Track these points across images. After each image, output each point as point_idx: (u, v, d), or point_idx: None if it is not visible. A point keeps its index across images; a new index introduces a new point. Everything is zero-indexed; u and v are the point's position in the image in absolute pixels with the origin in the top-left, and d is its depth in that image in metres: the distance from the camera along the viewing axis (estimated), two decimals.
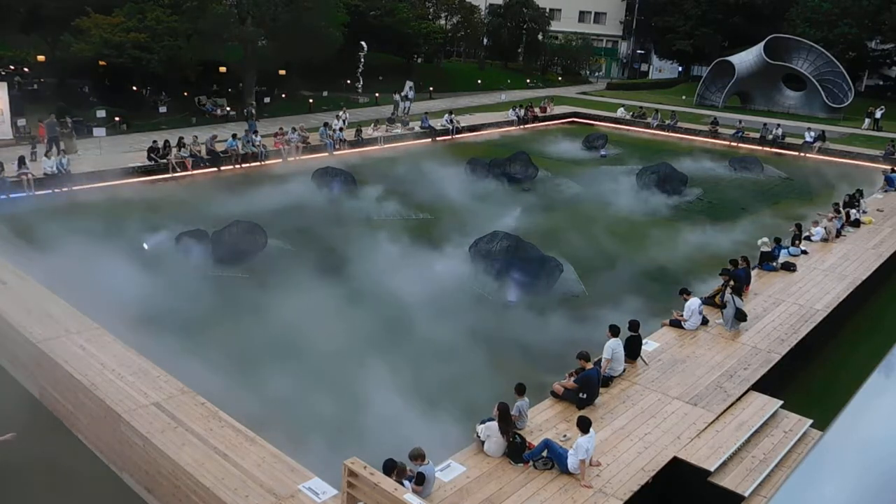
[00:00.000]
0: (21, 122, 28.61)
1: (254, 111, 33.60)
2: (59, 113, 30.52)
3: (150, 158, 25.19)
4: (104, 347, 11.62)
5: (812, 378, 13.91)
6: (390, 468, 8.34)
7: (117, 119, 31.45)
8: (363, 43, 45.45)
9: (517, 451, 9.34)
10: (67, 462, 10.26)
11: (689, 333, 13.68)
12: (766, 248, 17.47)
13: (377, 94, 44.67)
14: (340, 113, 34.64)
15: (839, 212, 21.64)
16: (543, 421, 10.45)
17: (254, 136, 27.92)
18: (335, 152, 29.91)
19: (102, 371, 10.86)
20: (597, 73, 74.14)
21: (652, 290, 17.02)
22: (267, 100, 38.48)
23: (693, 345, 13.23)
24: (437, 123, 35.97)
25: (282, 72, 39.98)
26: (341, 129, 31.60)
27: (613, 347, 11.58)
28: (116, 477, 10.02)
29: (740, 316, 13.76)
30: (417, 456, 8.48)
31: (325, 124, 31.37)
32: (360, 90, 46.51)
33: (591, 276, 17.81)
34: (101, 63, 33.00)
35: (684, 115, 43.72)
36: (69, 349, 11.41)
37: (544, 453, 9.32)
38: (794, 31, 51.66)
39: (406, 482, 8.32)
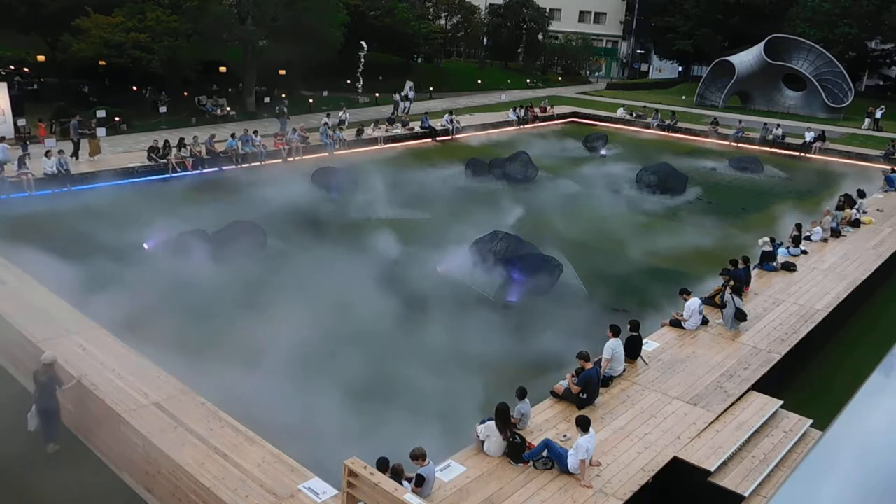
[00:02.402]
0: (21, 122, 28.61)
1: (285, 109, 33.69)
2: (60, 113, 30.62)
3: (150, 158, 25.19)
4: (104, 347, 11.62)
5: (812, 378, 13.90)
6: (383, 466, 8.33)
7: (117, 119, 31.45)
8: (363, 43, 45.47)
9: (517, 451, 9.34)
10: (67, 462, 10.25)
11: (689, 333, 13.68)
12: (766, 248, 17.48)
13: (377, 94, 44.70)
14: (341, 113, 34.66)
15: (841, 208, 21.74)
16: (543, 421, 10.45)
17: (253, 136, 27.91)
18: (335, 152, 29.93)
19: (102, 371, 10.86)
20: (597, 73, 74.19)
21: (652, 289, 17.01)
22: (267, 100, 38.48)
23: (693, 345, 13.23)
24: (437, 123, 35.97)
25: (282, 72, 39.99)
26: (340, 128, 31.62)
27: (613, 347, 11.58)
28: (116, 477, 10.02)
29: (740, 316, 13.76)
30: (418, 456, 8.48)
31: (325, 124, 31.43)
32: (360, 90, 46.54)
33: (591, 276, 17.81)
34: (101, 63, 33.00)
35: (684, 115, 43.75)
36: (69, 349, 11.40)
37: (544, 453, 9.31)
38: (795, 31, 51.67)
39: (406, 483, 8.32)
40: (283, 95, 40.72)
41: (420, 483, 8.39)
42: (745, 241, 20.31)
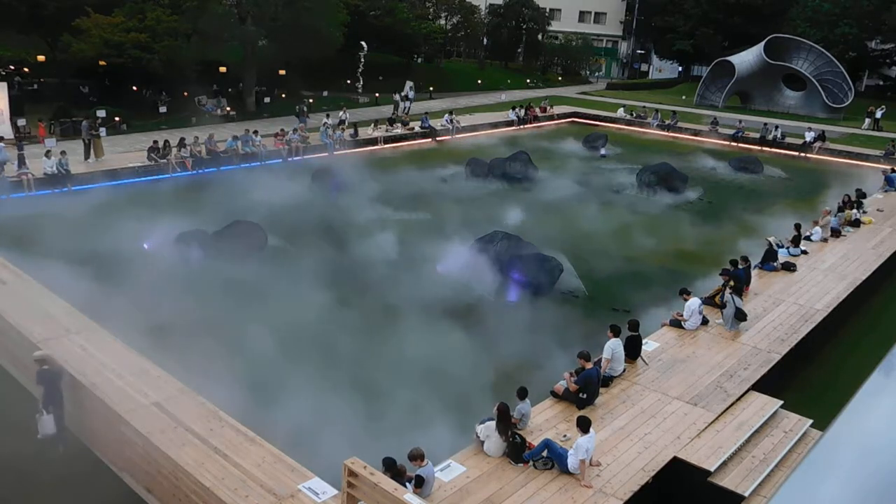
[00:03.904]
0: (21, 122, 28.61)
1: (306, 108, 33.81)
2: (60, 113, 30.62)
3: (150, 158, 25.19)
4: (104, 347, 11.61)
5: (812, 378, 13.91)
6: (390, 466, 8.33)
7: (117, 119, 31.44)
8: (363, 43, 45.47)
9: (517, 451, 9.34)
10: (67, 462, 10.25)
11: (689, 333, 13.68)
12: (772, 247, 17.49)
13: (377, 94, 44.69)
14: (341, 113, 34.66)
15: (842, 209, 21.75)
16: (543, 421, 10.45)
17: (253, 136, 27.92)
18: (335, 152, 29.93)
19: (102, 371, 10.85)
20: (597, 73, 74.17)
21: (652, 289, 17.01)
22: (267, 100, 38.48)
23: (693, 345, 13.23)
24: (437, 123, 35.97)
25: (282, 72, 40.00)
26: (340, 129, 31.62)
27: (613, 347, 11.58)
28: (116, 477, 10.02)
29: (740, 315, 13.76)
30: (417, 456, 8.47)
31: (325, 124, 31.46)
32: (360, 90, 46.54)
33: (591, 276, 17.81)
34: (101, 63, 32.99)
35: (684, 115, 43.73)
36: (69, 349, 11.40)
37: (544, 453, 9.32)
38: (795, 31, 51.68)
39: (408, 484, 8.32)
40: (284, 95, 40.78)
41: (420, 484, 8.39)
42: (745, 241, 20.31)
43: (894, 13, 49.40)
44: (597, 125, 42.53)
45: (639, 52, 76.84)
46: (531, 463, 9.30)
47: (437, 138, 35.15)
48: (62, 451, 10.42)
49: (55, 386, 10.38)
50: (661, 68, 74.77)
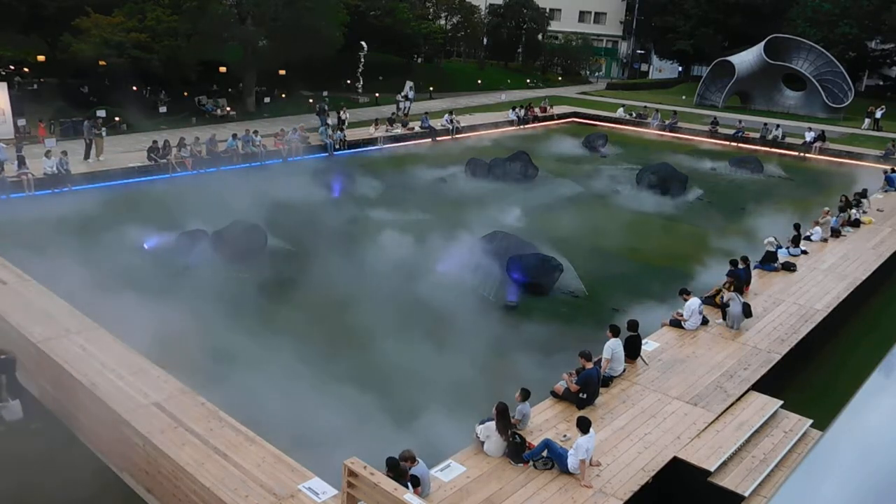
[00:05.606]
0: (21, 122, 28.61)
1: (326, 107, 33.91)
2: (60, 113, 30.63)
3: (150, 158, 25.19)
4: (104, 347, 11.61)
5: (812, 378, 13.91)
6: (394, 466, 8.33)
7: (117, 119, 31.44)
8: (363, 43, 45.47)
9: (517, 451, 9.34)
10: (67, 462, 10.25)
11: (689, 333, 13.68)
12: (771, 248, 17.49)
13: (377, 94, 44.69)
14: (341, 113, 34.65)
15: (842, 209, 21.74)
16: (543, 421, 10.45)
17: (254, 136, 27.92)
18: (335, 153, 29.93)
19: (102, 371, 10.85)
20: (597, 73, 74.15)
21: (652, 289, 17.01)
22: (267, 100, 38.47)
23: (693, 345, 13.23)
24: (437, 123, 35.96)
25: (282, 72, 40.00)
26: (340, 129, 31.63)
27: (613, 347, 11.58)
28: (116, 477, 10.02)
29: (747, 311, 13.81)
30: (407, 458, 8.47)
31: (326, 124, 31.45)
32: (360, 90, 46.54)
33: (591, 276, 17.80)
34: (101, 63, 32.99)
35: (684, 115, 43.71)
36: (69, 349, 11.40)
37: (544, 453, 9.32)
38: (795, 31, 51.67)
39: (408, 484, 8.32)
40: (284, 95, 40.74)
41: (416, 485, 8.39)
42: (745, 241, 20.30)
43: (894, 13, 49.40)
44: (597, 125, 42.51)
45: (639, 52, 76.81)
46: (531, 463, 9.30)
47: (437, 138, 35.14)
48: (35, 427, 10.71)
49: (13, 373, 10.69)
50: (661, 68, 74.76)
